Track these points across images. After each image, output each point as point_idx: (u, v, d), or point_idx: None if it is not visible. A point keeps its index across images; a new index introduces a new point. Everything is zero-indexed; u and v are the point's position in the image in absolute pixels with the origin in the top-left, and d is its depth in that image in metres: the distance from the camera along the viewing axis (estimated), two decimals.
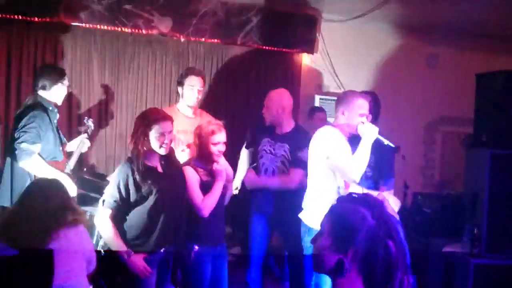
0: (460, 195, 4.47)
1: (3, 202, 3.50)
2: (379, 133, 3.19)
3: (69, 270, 2.14)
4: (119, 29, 4.70)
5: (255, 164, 3.87)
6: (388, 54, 5.69)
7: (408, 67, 5.74)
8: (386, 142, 3.21)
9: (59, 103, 3.75)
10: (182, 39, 4.92)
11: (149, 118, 2.90)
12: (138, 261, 2.82)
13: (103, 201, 2.88)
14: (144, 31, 4.76)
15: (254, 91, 5.10)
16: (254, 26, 5.07)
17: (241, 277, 4.12)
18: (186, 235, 3.09)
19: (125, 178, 2.85)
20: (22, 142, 3.37)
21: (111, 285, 3.73)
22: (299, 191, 3.42)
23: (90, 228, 3.08)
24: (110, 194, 2.86)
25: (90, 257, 2.30)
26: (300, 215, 3.28)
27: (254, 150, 3.93)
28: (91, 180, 3.98)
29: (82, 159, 4.54)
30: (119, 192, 2.84)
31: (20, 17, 4.42)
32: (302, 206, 3.29)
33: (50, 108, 3.62)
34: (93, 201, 3.67)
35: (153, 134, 2.86)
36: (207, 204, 3.07)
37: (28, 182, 3.29)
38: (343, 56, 5.49)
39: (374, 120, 3.65)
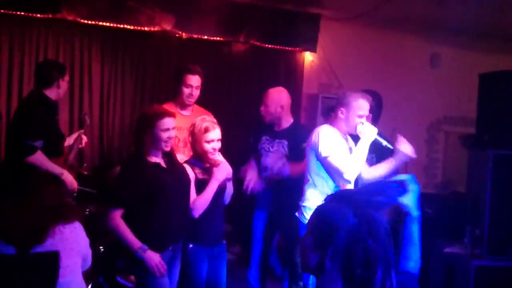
0: (462, 195, 4.44)
1: None
2: (379, 134, 3.18)
3: (65, 267, 2.13)
4: (121, 25, 4.70)
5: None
6: (391, 53, 5.67)
7: (411, 66, 5.72)
8: (384, 143, 3.19)
9: (60, 98, 3.75)
10: (184, 36, 4.91)
11: (153, 114, 2.88)
12: (154, 256, 2.77)
13: (113, 200, 2.82)
14: (146, 28, 4.76)
15: (257, 90, 5.07)
16: (256, 24, 5.06)
17: (242, 275, 4.12)
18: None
19: (132, 175, 2.80)
20: (26, 137, 3.37)
21: (111, 282, 3.73)
22: (300, 189, 3.41)
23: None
24: (119, 192, 2.81)
25: (85, 254, 2.29)
26: (297, 213, 3.28)
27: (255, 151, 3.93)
28: (91, 176, 3.98)
29: (83, 155, 4.55)
30: (128, 190, 2.78)
31: (22, 13, 4.41)
32: (300, 204, 3.28)
33: (51, 103, 3.61)
34: (92, 198, 3.67)
35: (156, 130, 2.84)
36: (197, 205, 2.99)
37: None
38: (346, 55, 5.48)
39: (375, 119, 3.64)
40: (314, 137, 3.21)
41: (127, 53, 4.84)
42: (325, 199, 1.52)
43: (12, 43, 4.46)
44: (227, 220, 3.35)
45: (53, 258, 2.13)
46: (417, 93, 5.70)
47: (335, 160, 3.09)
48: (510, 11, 4.61)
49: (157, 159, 2.92)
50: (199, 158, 3.13)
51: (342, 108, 3.20)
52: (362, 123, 3.16)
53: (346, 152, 3.17)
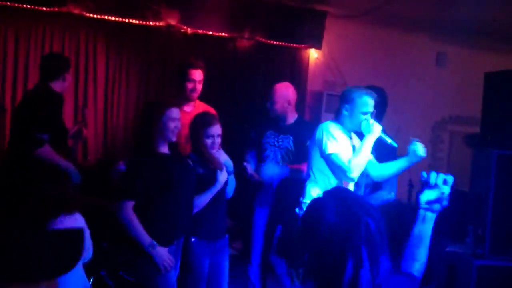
0: (465, 195, 4.42)
1: None
2: (384, 131, 3.17)
3: None
4: (127, 20, 4.70)
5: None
6: (396, 51, 5.64)
7: (417, 65, 5.70)
8: (389, 141, 3.17)
9: (64, 92, 3.76)
10: (189, 32, 4.91)
11: (161, 103, 2.93)
12: (164, 253, 2.77)
13: (124, 191, 2.80)
14: (151, 23, 4.76)
15: (261, 86, 5.07)
16: (261, 20, 5.05)
17: (243, 271, 4.12)
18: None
19: (143, 167, 2.79)
20: (34, 130, 3.38)
21: (113, 275, 3.74)
22: (302, 185, 3.41)
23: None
24: (130, 184, 2.78)
25: (86, 245, 2.30)
26: (298, 209, 3.26)
27: (258, 145, 3.93)
28: (95, 169, 3.99)
29: (86, 148, 4.56)
30: (140, 181, 2.76)
31: (28, 6, 4.42)
32: (301, 200, 3.28)
33: (57, 96, 3.63)
34: (95, 190, 3.67)
35: (165, 119, 2.84)
36: (196, 204, 3.00)
37: None
38: (351, 52, 5.46)
39: (380, 117, 3.61)
40: (318, 133, 3.20)
41: (132, 47, 4.84)
42: (322, 193, 1.52)
43: (18, 37, 4.47)
44: (229, 216, 3.36)
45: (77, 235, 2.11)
46: (422, 91, 5.68)
47: (339, 158, 3.07)
48: None
49: (165, 150, 2.92)
50: (198, 153, 3.13)
51: (346, 105, 3.18)
52: (367, 120, 3.14)
53: (350, 150, 3.15)
